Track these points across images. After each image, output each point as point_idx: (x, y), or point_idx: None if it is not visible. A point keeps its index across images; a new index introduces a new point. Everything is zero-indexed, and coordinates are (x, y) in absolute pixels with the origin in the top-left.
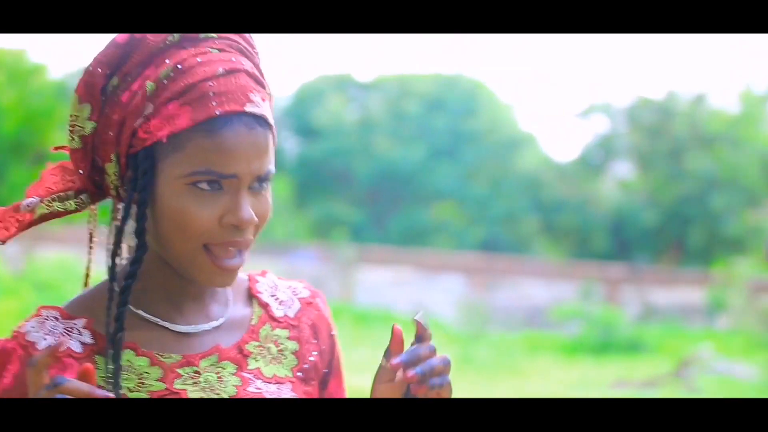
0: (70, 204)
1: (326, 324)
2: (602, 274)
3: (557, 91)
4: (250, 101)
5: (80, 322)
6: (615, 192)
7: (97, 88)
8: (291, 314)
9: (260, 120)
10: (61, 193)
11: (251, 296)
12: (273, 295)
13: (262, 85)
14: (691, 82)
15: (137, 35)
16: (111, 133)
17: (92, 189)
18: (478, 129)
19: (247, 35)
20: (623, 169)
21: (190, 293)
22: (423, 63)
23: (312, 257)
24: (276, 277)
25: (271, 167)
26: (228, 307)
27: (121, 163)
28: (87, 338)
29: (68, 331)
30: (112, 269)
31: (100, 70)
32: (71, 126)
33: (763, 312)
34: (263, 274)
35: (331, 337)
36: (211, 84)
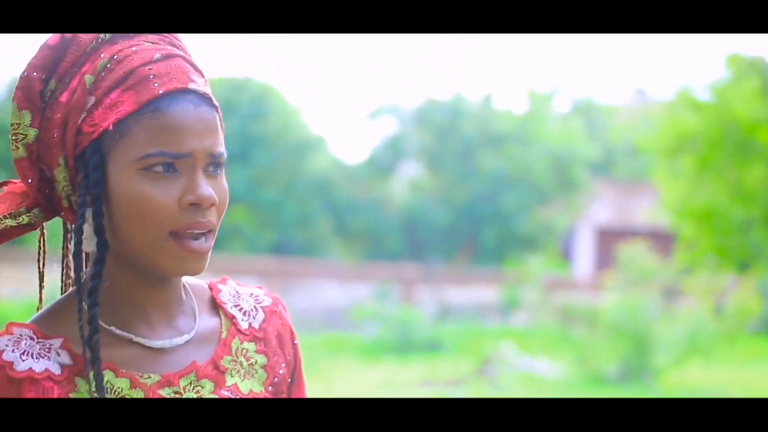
0: (23, 219)
1: (289, 333)
2: (397, 274)
3: (346, 94)
4: (192, 81)
5: (56, 342)
6: (406, 192)
7: (35, 92)
8: (256, 325)
9: (205, 99)
10: (13, 211)
11: (216, 306)
12: (237, 305)
13: (201, 73)
14: (477, 83)
15: (67, 35)
16: (55, 136)
17: (43, 202)
18: (268, 132)
19: (177, 36)
20: (413, 170)
21: (156, 302)
22: (211, 66)
23: None
24: (235, 284)
25: (223, 149)
26: (196, 320)
27: (69, 166)
28: (65, 359)
29: (45, 351)
30: (77, 279)
31: (35, 74)
32: (14, 135)
33: (558, 308)
34: (223, 281)
35: (294, 345)
36: (150, 68)
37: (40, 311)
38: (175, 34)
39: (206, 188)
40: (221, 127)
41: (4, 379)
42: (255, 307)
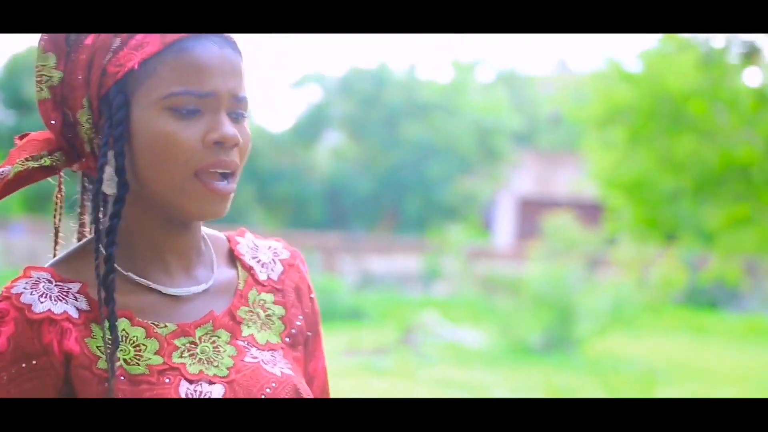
0: (45, 161)
1: (307, 286)
2: (319, 243)
3: (270, 62)
4: None
5: (75, 287)
6: (329, 161)
7: (61, 36)
8: (274, 277)
9: (230, 42)
10: (35, 154)
11: (234, 258)
12: (255, 257)
13: None
14: (402, 52)
15: None
16: (80, 77)
17: (65, 146)
18: None
19: None
20: (337, 139)
21: (176, 250)
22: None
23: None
24: (254, 237)
25: (245, 94)
26: (213, 270)
27: (93, 108)
28: (83, 304)
29: (63, 294)
30: (96, 219)
31: None
32: (38, 77)
33: (480, 278)
34: (241, 233)
35: (312, 299)
36: None
37: (58, 256)
38: None
39: (230, 127)
40: (245, 74)
41: (23, 321)
42: (273, 259)
